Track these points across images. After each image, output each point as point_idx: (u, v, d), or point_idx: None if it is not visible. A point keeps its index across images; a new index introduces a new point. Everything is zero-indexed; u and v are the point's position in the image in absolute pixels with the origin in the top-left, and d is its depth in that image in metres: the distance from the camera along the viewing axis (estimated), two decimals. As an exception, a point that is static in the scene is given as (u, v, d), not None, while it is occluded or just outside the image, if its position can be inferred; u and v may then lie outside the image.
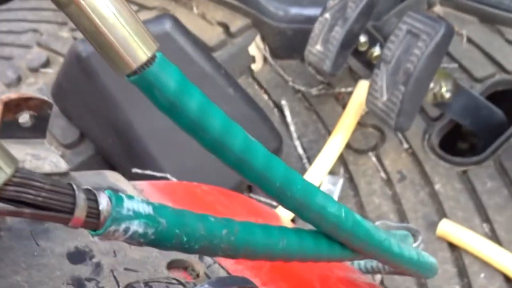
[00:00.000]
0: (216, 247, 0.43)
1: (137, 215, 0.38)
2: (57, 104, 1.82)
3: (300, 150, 1.87)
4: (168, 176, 1.58)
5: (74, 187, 0.36)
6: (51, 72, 2.04)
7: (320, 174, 1.73)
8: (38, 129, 0.60)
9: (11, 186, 0.33)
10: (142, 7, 2.26)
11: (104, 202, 0.36)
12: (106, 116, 1.65)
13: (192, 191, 0.78)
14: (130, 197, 0.38)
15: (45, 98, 0.60)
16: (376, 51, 1.81)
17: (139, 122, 1.60)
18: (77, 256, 0.48)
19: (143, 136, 1.60)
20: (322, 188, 1.70)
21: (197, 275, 0.53)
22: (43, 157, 0.59)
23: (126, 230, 0.37)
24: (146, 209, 0.39)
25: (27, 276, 0.44)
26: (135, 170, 1.58)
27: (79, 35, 2.08)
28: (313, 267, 0.69)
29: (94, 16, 0.37)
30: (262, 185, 0.46)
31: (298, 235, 0.50)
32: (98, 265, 0.48)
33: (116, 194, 0.38)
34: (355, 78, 2.01)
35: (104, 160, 1.81)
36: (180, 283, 0.49)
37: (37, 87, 2.02)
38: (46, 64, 2.08)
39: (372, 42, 1.82)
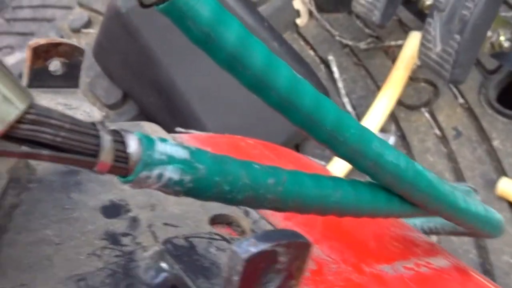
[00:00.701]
0: (262, 197, 0.38)
1: (171, 160, 0.34)
2: (99, 64, 1.80)
3: (349, 107, 1.80)
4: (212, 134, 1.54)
5: (98, 127, 0.32)
6: (93, 32, 2.02)
7: (370, 132, 1.66)
8: (70, 78, 0.57)
9: (25, 124, 0.29)
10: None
11: (133, 144, 0.32)
12: (147, 75, 1.62)
13: (235, 144, 0.74)
14: (163, 140, 0.34)
15: (75, 43, 0.57)
16: (429, -1, 1.70)
17: (182, 79, 1.56)
18: (112, 210, 0.45)
19: (186, 94, 1.56)
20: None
21: (242, 232, 0.49)
22: (76, 107, 0.57)
23: (159, 177, 0.33)
24: (182, 154, 0.34)
25: (57, 230, 0.42)
26: (178, 129, 1.55)
27: (119, -6, 2.04)
28: (367, 224, 0.64)
29: None
30: (311, 129, 0.42)
31: (353, 186, 0.45)
32: (134, 220, 0.45)
33: (146, 136, 0.33)
34: (405, 30, 1.91)
35: (148, 120, 1.79)
36: (223, 238, 0.45)
37: (80, 48, 2.01)
38: (88, 24, 2.06)
39: (424, -11, 1.71)
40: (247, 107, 1.58)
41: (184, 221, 0.47)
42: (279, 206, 0.40)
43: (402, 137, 1.70)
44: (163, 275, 0.40)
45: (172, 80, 1.56)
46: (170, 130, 1.72)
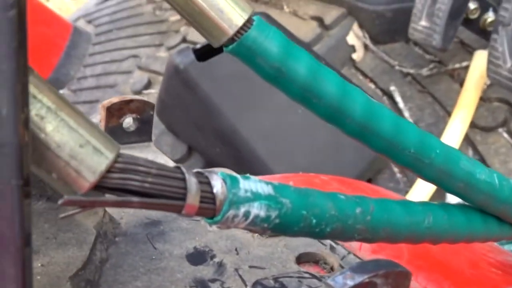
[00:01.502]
0: (351, 228, 0.37)
1: (256, 197, 0.33)
2: (163, 121, 1.83)
3: (418, 136, 1.73)
4: (281, 179, 1.51)
5: (183, 170, 0.32)
6: (154, 92, 2.07)
7: (445, 159, 1.58)
8: (143, 132, 0.59)
9: (115, 173, 0.29)
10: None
11: (218, 184, 0.32)
12: (210, 126, 1.63)
13: (310, 181, 0.71)
14: (246, 177, 0.34)
15: (146, 99, 0.59)
16: (490, 16, 1.65)
17: (244, 127, 1.56)
18: (198, 257, 0.46)
19: (249, 141, 1.56)
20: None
21: (331, 268, 0.48)
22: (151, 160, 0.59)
23: (246, 215, 0.33)
24: (266, 189, 0.34)
25: (147, 281, 0.42)
26: (246, 177, 1.53)
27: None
28: (460, 252, 0.59)
29: None
30: (393, 154, 0.40)
31: (446, 210, 0.43)
32: (220, 265, 0.45)
33: (230, 175, 0.33)
34: (468, 51, 1.85)
35: (215, 171, 1.79)
36: (313, 276, 0.43)
37: (142, 108, 2.06)
38: (148, 85, 2.12)
39: (483, 7, 1.66)
40: (312, 146, 1.56)
41: (271, 262, 0.46)
42: (368, 236, 0.38)
43: (482, 160, 1.62)
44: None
45: (235, 128, 1.56)
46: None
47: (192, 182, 0.32)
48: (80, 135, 0.29)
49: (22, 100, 0.27)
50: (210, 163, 1.78)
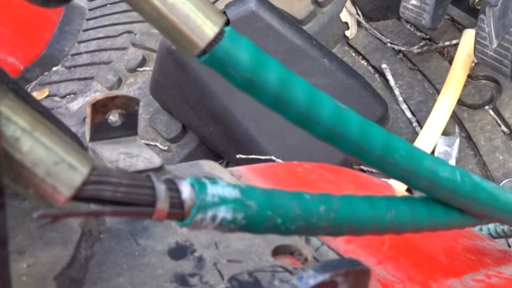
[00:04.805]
0: (315, 226, 0.40)
1: (223, 201, 0.36)
2: (157, 100, 1.85)
3: (408, 114, 1.76)
4: (273, 158, 1.55)
5: (153, 178, 0.34)
6: (148, 70, 2.08)
7: (433, 137, 1.61)
8: (128, 127, 0.60)
9: (89, 184, 0.32)
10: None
11: (186, 190, 0.35)
12: (203, 106, 1.65)
13: (293, 170, 0.74)
14: (214, 182, 0.36)
15: (131, 95, 0.60)
16: (479, -6, 1.66)
17: (236, 106, 1.58)
18: (179, 252, 0.47)
19: (242, 121, 1.58)
20: (437, 151, 1.59)
21: (305, 260, 0.50)
22: (136, 154, 0.60)
23: (213, 218, 0.35)
24: (233, 193, 0.36)
25: (129, 277, 0.44)
26: (239, 156, 1.56)
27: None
28: (435, 239, 0.62)
29: None
30: (360, 156, 0.42)
31: (408, 203, 0.45)
32: (200, 259, 0.47)
33: (198, 181, 0.36)
34: (459, 29, 1.86)
35: (209, 149, 1.82)
36: (286, 270, 0.46)
37: (137, 86, 2.07)
38: (143, 63, 2.13)
39: (473, -14, 1.67)
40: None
41: (248, 255, 0.48)
42: (333, 232, 0.41)
43: (468, 137, 1.65)
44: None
45: (228, 108, 1.58)
46: (231, 156, 1.76)
47: (161, 189, 0.34)
48: (55, 153, 0.31)
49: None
50: (204, 142, 1.81)
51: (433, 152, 1.60)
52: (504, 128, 1.61)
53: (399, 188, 1.46)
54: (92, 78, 2.20)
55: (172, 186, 0.35)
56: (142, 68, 2.11)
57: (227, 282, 0.44)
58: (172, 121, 1.85)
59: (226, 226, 0.36)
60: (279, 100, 0.39)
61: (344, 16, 2.05)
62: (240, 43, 0.37)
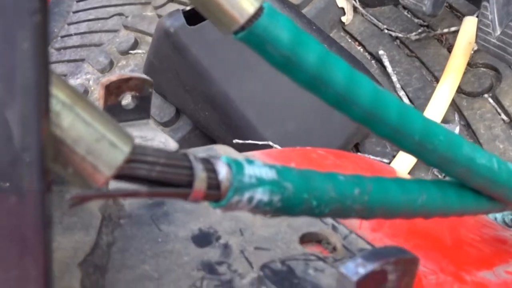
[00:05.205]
0: (349, 209, 0.38)
1: (260, 182, 0.34)
2: (151, 84, 1.81)
3: (406, 101, 1.75)
4: (270, 143, 1.52)
5: (191, 157, 0.33)
6: (141, 52, 2.04)
7: (431, 124, 1.60)
8: (141, 110, 0.59)
9: (125, 163, 0.30)
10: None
11: (223, 171, 0.33)
12: (200, 90, 1.62)
13: (307, 156, 0.72)
14: (251, 162, 0.34)
15: (145, 76, 0.58)
16: (480, -19, 1.63)
17: (234, 91, 1.55)
18: (203, 239, 0.46)
19: (240, 106, 1.56)
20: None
21: (334, 248, 0.48)
22: (151, 138, 0.59)
23: (250, 200, 0.34)
24: (270, 174, 0.34)
25: (155, 265, 0.42)
26: (235, 141, 1.54)
27: (163, 12, 2.06)
28: (460, 228, 0.61)
29: None
30: (399, 141, 0.41)
31: (439, 187, 0.44)
32: (226, 246, 0.45)
33: (235, 161, 0.34)
34: (457, 16, 1.84)
35: (203, 134, 1.79)
36: (319, 258, 0.44)
37: (129, 69, 2.03)
38: (135, 45, 2.08)
39: (474, -28, 1.65)
40: (302, 111, 1.56)
41: (275, 243, 0.47)
42: (365, 215, 0.40)
43: (467, 126, 1.64)
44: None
45: (225, 93, 1.56)
46: (226, 141, 1.73)
47: (198, 169, 0.32)
48: (96, 129, 0.29)
49: (45, 105, 0.27)
50: (198, 126, 1.78)
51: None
52: (504, 116, 1.60)
53: (401, 170, 1.45)
54: (82, 60, 2.16)
55: (209, 166, 0.33)
56: (135, 51, 2.07)
57: (259, 270, 0.43)
58: (166, 104, 1.82)
59: (261, 208, 0.35)
60: (317, 80, 0.37)
61: (340, 1, 2.03)
62: (279, 20, 0.36)
